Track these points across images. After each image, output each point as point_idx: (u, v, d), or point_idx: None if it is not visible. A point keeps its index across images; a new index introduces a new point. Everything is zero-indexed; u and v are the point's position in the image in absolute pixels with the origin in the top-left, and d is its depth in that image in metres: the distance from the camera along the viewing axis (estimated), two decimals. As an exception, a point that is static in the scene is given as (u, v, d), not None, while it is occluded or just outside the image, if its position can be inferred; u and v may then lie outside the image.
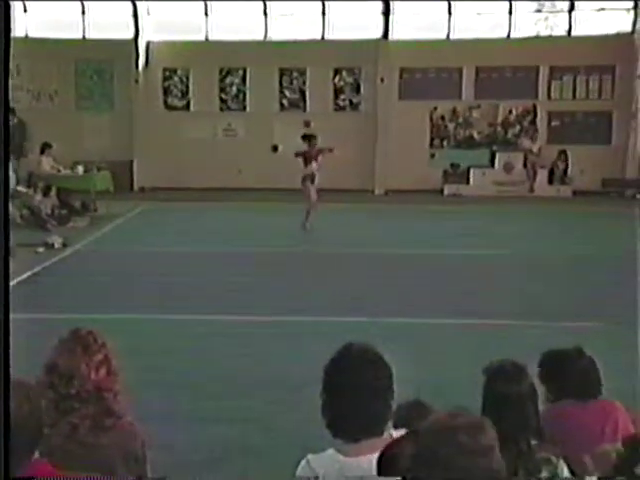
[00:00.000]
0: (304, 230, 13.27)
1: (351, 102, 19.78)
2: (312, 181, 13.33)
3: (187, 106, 19.96)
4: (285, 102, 19.86)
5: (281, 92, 19.74)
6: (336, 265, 10.74)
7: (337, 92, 19.66)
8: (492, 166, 19.09)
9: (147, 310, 8.22)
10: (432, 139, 19.64)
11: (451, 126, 19.51)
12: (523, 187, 18.56)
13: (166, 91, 19.98)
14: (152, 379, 5.92)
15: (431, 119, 19.49)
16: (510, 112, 19.31)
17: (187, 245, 12.12)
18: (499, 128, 19.41)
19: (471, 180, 19.07)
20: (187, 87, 19.91)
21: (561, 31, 18.35)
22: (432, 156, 19.63)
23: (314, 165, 13.40)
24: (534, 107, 19.08)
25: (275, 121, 19.55)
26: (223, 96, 19.93)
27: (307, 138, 13.77)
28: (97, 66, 19.58)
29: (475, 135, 19.55)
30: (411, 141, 19.08)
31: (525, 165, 18.61)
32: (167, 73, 19.91)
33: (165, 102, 20.06)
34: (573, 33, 18.18)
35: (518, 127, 19.24)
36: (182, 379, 6.23)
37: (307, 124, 18.26)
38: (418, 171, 19.06)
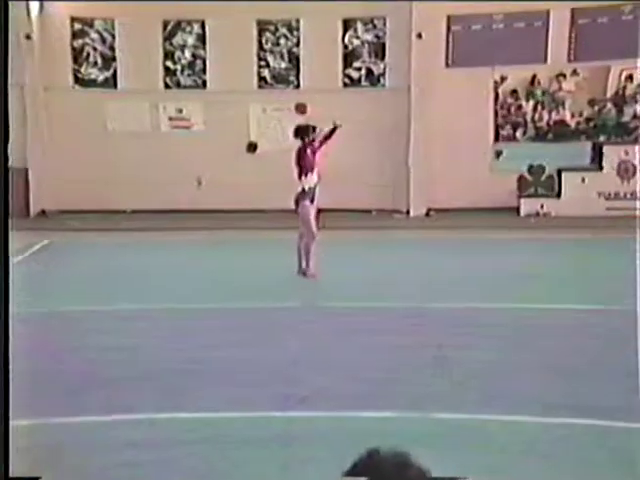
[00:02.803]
0: (302, 276, 13.15)
1: (370, 72, 19.91)
2: (312, 200, 13.10)
3: (112, 80, 19.97)
4: (267, 74, 19.99)
5: (261, 59, 19.94)
6: (350, 329, 10.59)
7: (348, 57, 19.84)
8: (599, 168, 19.12)
9: (48, 411, 8.12)
10: (498, 127, 19.79)
11: (529, 106, 19.68)
12: (651, 201, 18.73)
13: (77, 55, 19.97)
14: None
15: (497, 96, 19.66)
16: (629, 79, 19.29)
17: (116, 303, 11.93)
18: (609, 105, 19.44)
19: (563, 191, 19.12)
20: (112, 50, 19.89)
21: None
22: (498, 155, 19.78)
23: (315, 176, 13.14)
24: (673, 69, 19.04)
25: (252, 105, 19.78)
26: (170, 65, 20.06)
27: (301, 132, 13.50)
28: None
29: (568, 119, 19.63)
30: (465, 131, 19.01)
31: (655, 167, 19.06)
32: (78, 26, 19.88)
33: (76, 74, 20.07)
34: None
35: (643, 103, 19.35)
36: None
37: (301, 109, 18.32)
38: (477, 179, 19.06)
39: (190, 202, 19.34)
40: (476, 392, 8.47)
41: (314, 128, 13.56)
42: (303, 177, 13.26)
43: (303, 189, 13.26)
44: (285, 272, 13.33)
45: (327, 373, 9.14)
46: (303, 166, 13.22)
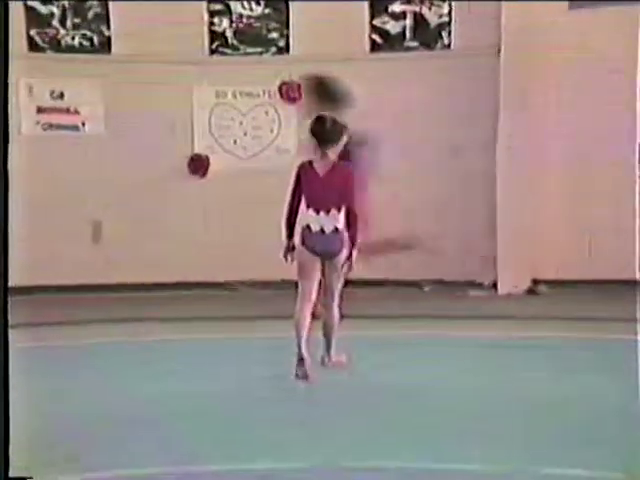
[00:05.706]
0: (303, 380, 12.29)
1: (421, 22, 20.03)
2: (314, 249, 12.45)
3: None
4: (227, 29, 20.43)
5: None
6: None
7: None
8: None
9: None
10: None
11: None
12: None
13: None
14: None
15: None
16: None
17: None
18: None
19: None
20: None
21: None
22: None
23: (333, 215, 12.72)
24: None
25: (199, 85, 20.13)
26: (40, 8, 20.10)
27: (322, 131, 12.74)
28: None
29: None
30: (605, 132, 18.90)
31: None
32: None
33: None
34: None
35: None
36: None
37: (290, 92, 19.39)
38: (628, 226, 18.31)
39: (82, 271, 18.98)
40: None
41: (343, 129, 12.44)
42: (307, 211, 12.66)
43: (306, 226, 12.59)
44: (277, 400, 12.11)
45: None
46: (310, 198, 12.54)
